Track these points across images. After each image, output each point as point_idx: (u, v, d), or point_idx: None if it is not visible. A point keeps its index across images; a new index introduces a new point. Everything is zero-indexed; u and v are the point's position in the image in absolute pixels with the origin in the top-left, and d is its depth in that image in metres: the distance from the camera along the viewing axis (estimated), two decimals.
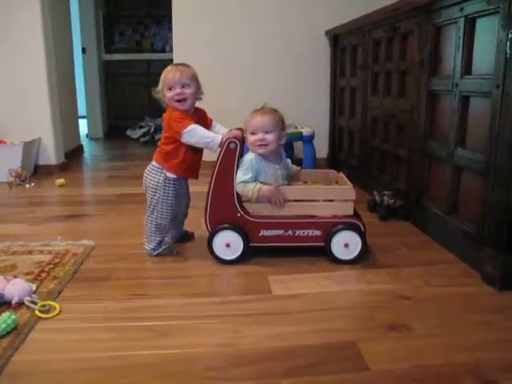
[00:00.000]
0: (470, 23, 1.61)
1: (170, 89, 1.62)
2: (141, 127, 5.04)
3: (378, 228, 2.02)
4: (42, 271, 1.58)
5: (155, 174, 1.68)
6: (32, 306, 1.31)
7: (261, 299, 1.41)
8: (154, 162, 1.70)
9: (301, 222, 1.65)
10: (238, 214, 1.65)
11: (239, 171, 1.64)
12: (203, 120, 1.73)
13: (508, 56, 1.36)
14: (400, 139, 2.24)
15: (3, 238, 1.91)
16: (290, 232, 1.66)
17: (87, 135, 5.24)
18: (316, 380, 1.04)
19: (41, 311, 1.30)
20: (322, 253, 1.67)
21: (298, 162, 2.51)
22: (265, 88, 3.23)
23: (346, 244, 1.64)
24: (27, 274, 1.55)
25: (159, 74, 1.67)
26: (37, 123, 3.24)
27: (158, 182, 1.67)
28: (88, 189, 3.09)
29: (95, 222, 2.22)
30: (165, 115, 1.67)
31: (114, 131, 5.48)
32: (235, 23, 3.31)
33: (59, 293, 1.43)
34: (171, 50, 3.39)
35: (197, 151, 1.68)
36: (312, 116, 3.22)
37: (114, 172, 3.44)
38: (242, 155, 1.69)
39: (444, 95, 1.81)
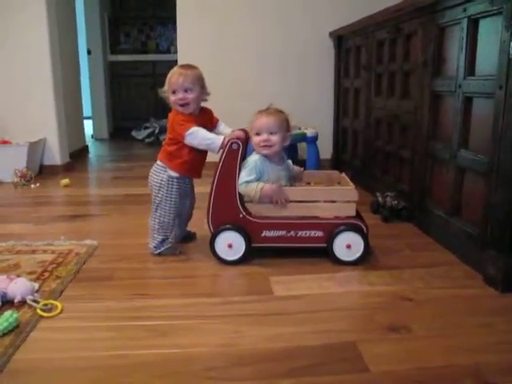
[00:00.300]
0: (473, 24, 1.61)
1: (173, 92, 1.65)
2: (146, 128, 5.06)
3: (380, 229, 2.02)
4: (45, 270, 1.59)
5: (159, 173, 1.70)
6: (34, 304, 1.32)
7: (262, 300, 1.42)
8: (158, 161, 1.72)
9: (303, 222, 1.65)
10: (241, 215, 1.65)
11: (243, 172, 1.65)
12: (209, 120, 1.74)
13: (511, 57, 1.35)
14: (403, 140, 2.24)
15: (8, 237, 1.92)
16: (292, 233, 1.66)
17: (92, 136, 5.27)
18: (316, 381, 1.04)
19: (43, 310, 1.31)
20: (324, 254, 1.67)
21: (301, 163, 2.51)
22: (269, 89, 3.23)
23: (348, 245, 1.64)
24: (30, 273, 1.56)
25: (164, 75, 1.69)
26: (42, 124, 3.26)
27: (161, 181, 1.69)
28: (93, 189, 3.10)
29: (99, 222, 2.23)
30: (170, 116, 1.69)
31: (119, 132, 5.51)
32: (239, 24, 3.31)
33: (61, 292, 1.44)
34: (176, 51, 3.40)
35: (200, 151, 1.69)
36: (316, 117, 3.21)
37: (118, 173, 3.45)
38: (245, 156, 1.69)
39: (447, 96, 1.80)
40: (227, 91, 3.20)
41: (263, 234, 1.66)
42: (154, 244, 1.74)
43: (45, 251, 1.77)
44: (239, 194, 1.65)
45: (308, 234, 1.65)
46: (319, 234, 1.65)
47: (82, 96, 4.24)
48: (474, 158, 1.61)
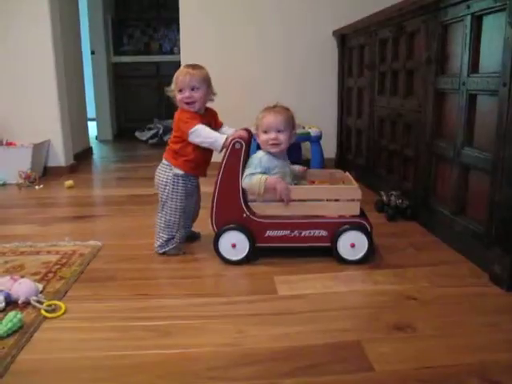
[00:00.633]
0: (477, 21, 1.60)
1: (180, 91, 1.66)
2: (149, 129, 5.06)
3: (385, 228, 2.01)
4: (49, 271, 1.59)
5: (164, 171, 1.71)
6: (38, 305, 1.32)
7: (266, 299, 1.41)
8: (164, 160, 1.73)
9: (307, 222, 1.65)
10: (244, 215, 1.65)
11: (247, 169, 1.64)
12: (214, 121, 1.75)
13: None
14: (407, 139, 2.23)
15: (12, 238, 1.93)
16: (296, 232, 1.65)
17: (96, 137, 5.28)
18: (320, 380, 1.03)
19: (46, 311, 1.31)
20: (328, 253, 1.66)
21: (305, 162, 2.51)
22: (272, 88, 3.22)
23: (352, 244, 1.63)
24: (34, 274, 1.56)
25: (168, 76, 1.70)
26: (46, 125, 3.27)
27: (167, 179, 1.70)
28: (97, 190, 3.11)
29: (103, 223, 2.24)
30: (176, 114, 1.70)
31: (122, 133, 5.51)
32: (242, 25, 3.31)
33: (65, 293, 1.44)
34: (179, 52, 3.40)
35: (205, 150, 1.69)
36: (319, 116, 3.21)
37: (122, 174, 3.46)
38: (248, 156, 1.69)
39: (451, 94, 1.79)
40: (230, 91, 3.18)
41: (267, 234, 1.66)
42: (158, 243, 1.75)
43: (49, 252, 1.77)
44: (243, 193, 1.64)
45: (312, 234, 1.65)
46: (323, 233, 1.65)
47: (85, 97, 4.25)
48: (478, 155, 1.60)
